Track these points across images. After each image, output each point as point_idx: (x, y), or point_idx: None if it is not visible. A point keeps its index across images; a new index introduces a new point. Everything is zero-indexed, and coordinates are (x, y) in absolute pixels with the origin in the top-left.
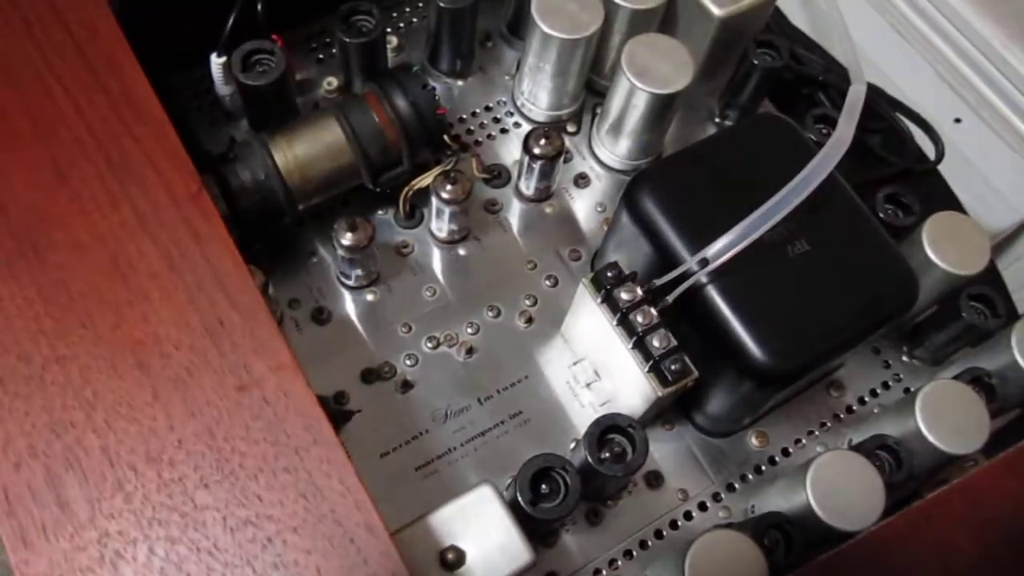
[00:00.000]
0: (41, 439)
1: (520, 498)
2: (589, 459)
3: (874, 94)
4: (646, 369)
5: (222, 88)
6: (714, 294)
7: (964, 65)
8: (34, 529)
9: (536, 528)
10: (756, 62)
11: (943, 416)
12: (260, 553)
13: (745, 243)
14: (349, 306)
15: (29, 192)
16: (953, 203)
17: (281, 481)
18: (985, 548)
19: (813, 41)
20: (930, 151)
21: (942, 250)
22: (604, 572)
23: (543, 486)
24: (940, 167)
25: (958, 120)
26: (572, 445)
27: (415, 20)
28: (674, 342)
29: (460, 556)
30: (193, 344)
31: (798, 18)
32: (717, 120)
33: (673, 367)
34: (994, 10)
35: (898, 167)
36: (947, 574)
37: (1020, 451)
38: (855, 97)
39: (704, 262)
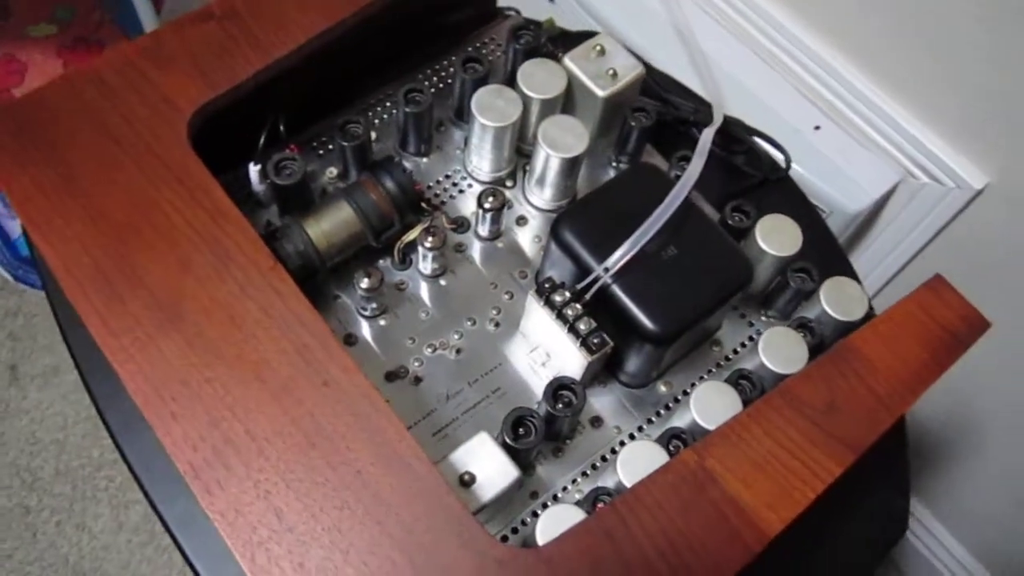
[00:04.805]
0: (205, 430)
1: (506, 437)
2: (548, 407)
3: (734, 124)
4: (578, 345)
5: (257, 186)
6: (616, 289)
7: (818, 84)
8: (213, 484)
9: (519, 458)
10: (633, 123)
11: (777, 351)
12: (352, 480)
13: (632, 253)
14: (367, 331)
15: (166, 279)
16: (802, 201)
17: (359, 436)
18: (798, 427)
19: (688, 88)
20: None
21: (769, 241)
22: (568, 487)
23: (520, 429)
24: (806, 163)
25: (817, 127)
26: (536, 405)
27: (386, 116)
28: (594, 324)
29: (472, 477)
30: (290, 362)
31: (683, 69)
32: (614, 165)
33: (595, 341)
34: (836, 40)
35: (757, 179)
36: (772, 444)
37: (814, 364)
38: (704, 140)
39: (607, 269)
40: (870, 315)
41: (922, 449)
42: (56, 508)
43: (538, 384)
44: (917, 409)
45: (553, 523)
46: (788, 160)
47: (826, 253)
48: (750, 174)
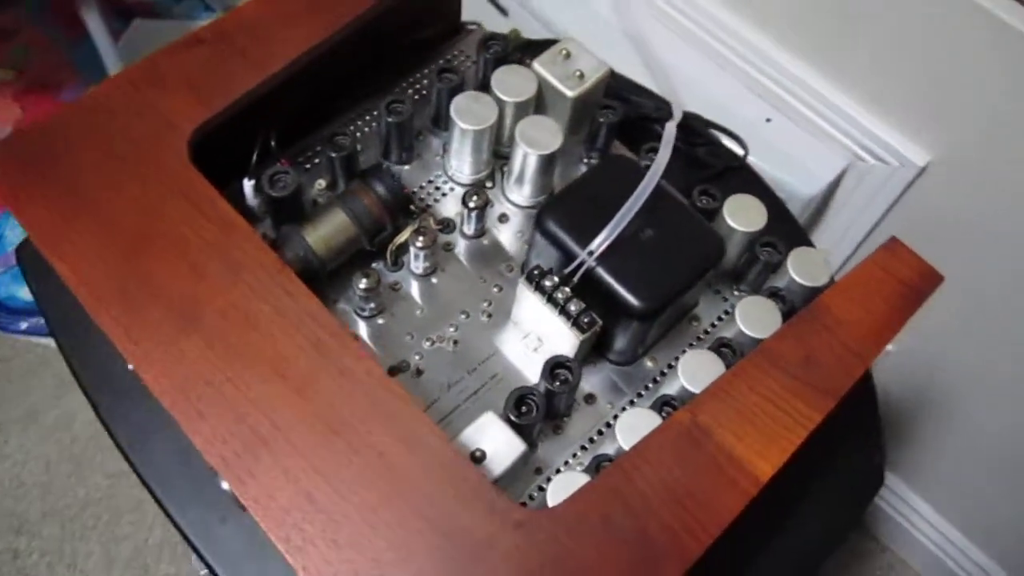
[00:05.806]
0: (233, 425)
1: (510, 415)
2: (547, 385)
3: (693, 119)
4: (569, 325)
5: (251, 201)
6: (601, 271)
7: (765, 79)
8: (245, 473)
9: (522, 434)
10: (601, 120)
11: (753, 318)
12: (375, 460)
13: (613, 236)
14: (366, 330)
15: (180, 287)
16: (761, 186)
17: (378, 420)
18: (779, 381)
19: (647, 89)
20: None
21: (737, 219)
22: (569, 461)
23: (523, 406)
24: (760, 154)
25: (769, 120)
26: (535, 386)
27: (367, 129)
28: (583, 305)
29: (483, 454)
30: (308, 356)
31: (638, 73)
32: (585, 161)
33: (585, 320)
34: (780, 36)
35: (718, 168)
36: (757, 398)
37: (788, 324)
38: (668, 134)
39: (590, 253)
40: (834, 280)
41: (893, 422)
42: (46, 550)
43: (532, 368)
44: (887, 384)
45: (563, 488)
46: (745, 149)
47: (787, 230)
48: (711, 164)
